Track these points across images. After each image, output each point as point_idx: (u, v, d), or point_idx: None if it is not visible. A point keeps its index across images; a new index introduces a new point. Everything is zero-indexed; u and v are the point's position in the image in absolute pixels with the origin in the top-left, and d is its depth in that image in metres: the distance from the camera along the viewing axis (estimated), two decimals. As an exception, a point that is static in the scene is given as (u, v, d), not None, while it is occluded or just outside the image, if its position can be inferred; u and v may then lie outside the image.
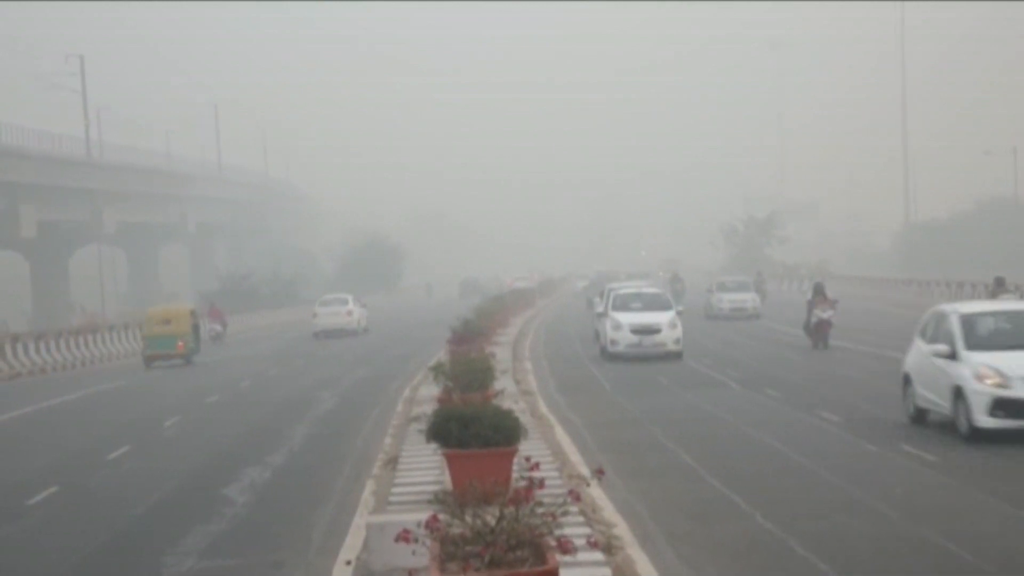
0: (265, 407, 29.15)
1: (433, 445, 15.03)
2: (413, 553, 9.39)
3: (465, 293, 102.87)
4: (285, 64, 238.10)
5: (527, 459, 11.23)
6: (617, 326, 36.36)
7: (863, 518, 14.11)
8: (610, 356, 36.31)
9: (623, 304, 37.53)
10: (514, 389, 27.60)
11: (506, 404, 18.38)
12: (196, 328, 49.72)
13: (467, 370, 20.44)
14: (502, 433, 14.19)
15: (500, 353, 35.25)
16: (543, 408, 25.18)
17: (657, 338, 35.75)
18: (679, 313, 37.20)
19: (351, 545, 13.30)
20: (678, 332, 35.96)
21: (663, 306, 37.32)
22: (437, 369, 21.13)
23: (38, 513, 17.12)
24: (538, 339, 48.91)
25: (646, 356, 35.53)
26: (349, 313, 62.62)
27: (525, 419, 18.63)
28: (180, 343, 47.06)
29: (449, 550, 8.75)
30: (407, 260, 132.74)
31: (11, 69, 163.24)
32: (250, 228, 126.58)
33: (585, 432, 21.89)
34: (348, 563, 12.57)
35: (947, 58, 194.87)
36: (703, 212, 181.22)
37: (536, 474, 9.73)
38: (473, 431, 14.14)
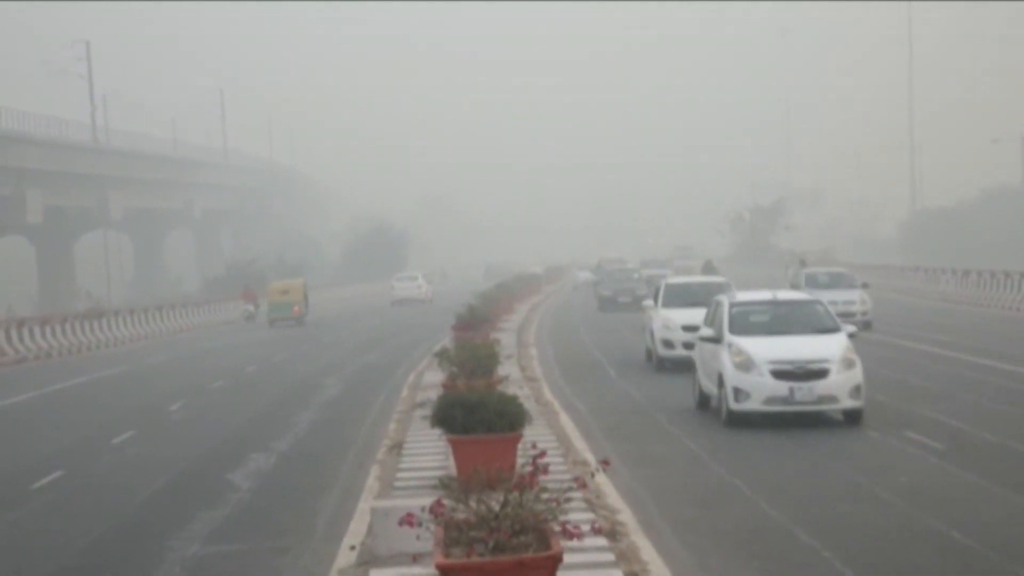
0: (272, 391, 29.17)
1: (438, 431, 15.06)
2: (417, 538, 9.40)
3: (489, 277, 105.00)
4: (291, 51, 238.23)
5: (533, 445, 11.21)
6: (747, 365, 19.90)
7: None
8: (734, 417, 19.89)
9: (745, 323, 21.11)
10: (519, 375, 27.61)
11: (511, 390, 18.39)
12: (307, 297, 61.13)
13: (472, 356, 20.42)
14: (506, 419, 14.21)
15: (505, 340, 35.27)
16: (548, 394, 25.18)
17: (822, 386, 19.61)
18: (851, 336, 20.80)
19: (355, 530, 13.31)
20: (857, 375, 19.87)
21: (821, 325, 21.07)
22: (442, 355, 21.10)
23: (43, 498, 17.12)
24: (543, 326, 48.90)
25: (800, 417, 19.83)
26: (419, 287, 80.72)
27: (529, 405, 18.59)
28: (296, 308, 59.80)
29: (453, 535, 8.74)
30: (412, 247, 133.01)
31: (17, 55, 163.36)
32: (256, 214, 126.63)
33: (590, 419, 21.88)
34: (352, 548, 12.57)
35: (954, 45, 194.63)
36: (709, 199, 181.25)
37: (541, 460, 9.71)
38: (478, 417, 14.17)
